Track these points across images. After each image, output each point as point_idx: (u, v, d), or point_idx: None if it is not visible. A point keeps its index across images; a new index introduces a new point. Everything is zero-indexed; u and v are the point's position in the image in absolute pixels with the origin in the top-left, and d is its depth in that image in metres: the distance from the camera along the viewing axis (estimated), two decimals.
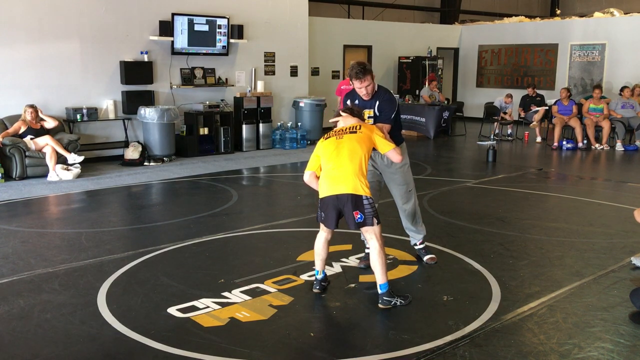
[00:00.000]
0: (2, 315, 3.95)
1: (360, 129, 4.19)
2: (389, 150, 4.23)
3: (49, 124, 8.82)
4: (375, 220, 4.06)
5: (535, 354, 3.43)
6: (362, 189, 4.04)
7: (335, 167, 4.09)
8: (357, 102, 4.62)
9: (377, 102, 4.54)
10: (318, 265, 4.33)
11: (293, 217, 6.46)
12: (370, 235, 4.09)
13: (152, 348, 3.49)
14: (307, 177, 4.30)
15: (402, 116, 14.65)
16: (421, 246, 5.04)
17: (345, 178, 4.05)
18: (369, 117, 4.56)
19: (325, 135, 4.29)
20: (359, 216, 4.02)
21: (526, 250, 5.35)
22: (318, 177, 4.23)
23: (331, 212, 4.10)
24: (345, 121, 4.31)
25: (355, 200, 4.01)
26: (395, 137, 4.59)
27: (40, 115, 8.85)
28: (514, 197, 7.58)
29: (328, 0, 16.28)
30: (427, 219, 6.35)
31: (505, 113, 13.03)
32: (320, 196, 4.17)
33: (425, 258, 4.98)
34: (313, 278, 4.50)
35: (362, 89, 4.48)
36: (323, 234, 4.29)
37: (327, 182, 4.11)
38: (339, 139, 4.16)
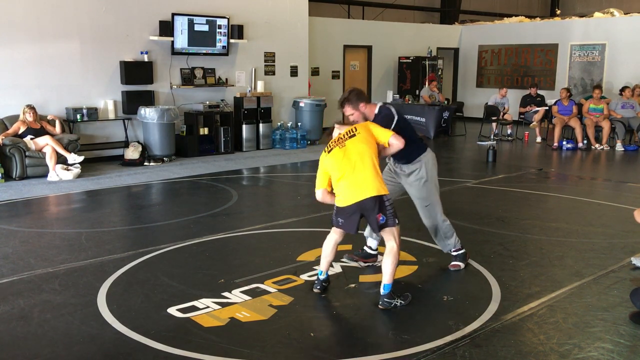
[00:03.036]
0: (2, 315, 3.95)
1: (357, 130, 4.19)
2: (389, 137, 4.21)
3: (57, 129, 8.85)
4: (395, 221, 4.10)
5: (535, 354, 3.43)
6: (383, 188, 4.08)
7: (352, 174, 4.07)
8: None
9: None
10: (323, 265, 4.33)
11: (293, 217, 6.46)
12: (389, 237, 4.11)
13: (152, 348, 3.49)
14: (321, 196, 4.19)
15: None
16: (454, 253, 4.87)
17: (365, 181, 4.04)
18: None
19: (326, 149, 4.21)
20: (381, 218, 4.05)
21: (526, 250, 5.35)
22: (330, 192, 4.20)
23: (354, 217, 4.09)
24: (340, 129, 4.30)
25: (379, 202, 4.03)
26: (411, 150, 4.51)
27: (55, 119, 8.89)
28: (514, 197, 7.58)
29: (328, 0, 16.27)
30: None
31: (504, 113, 13.01)
32: (341, 206, 4.12)
33: (450, 264, 4.86)
34: (313, 278, 4.51)
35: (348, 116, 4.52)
36: (334, 236, 4.30)
37: (349, 191, 4.07)
38: (343, 147, 4.13)
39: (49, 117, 8.93)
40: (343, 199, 4.10)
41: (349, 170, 4.07)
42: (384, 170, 4.77)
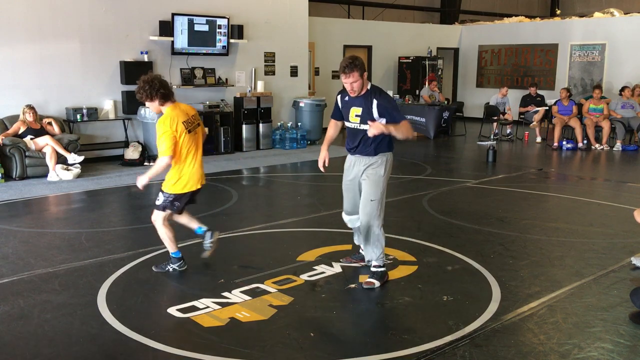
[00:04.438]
0: (2, 315, 3.95)
1: (198, 120, 4.63)
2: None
3: (55, 130, 8.86)
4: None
5: (535, 354, 3.43)
6: None
7: (198, 160, 4.59)
8: (346, 98, 4.44)
9: (375, 102, 4.29)
10: (173, 246, 4.67)
11: (293, 217, 6.46)
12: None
13: (152, 348, 3.50)
14: (168, 161, 4.42)
15: None
16: (373, 268, 4.50)
17: (202, 171, 4.65)
18: (356, 116, 4.37)
19: (178, 119, 4.42)
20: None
21: (526, 250, 5.35)
22: None
23: (186, 199, 4.64)
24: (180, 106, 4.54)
25: None
26: (385, 143, 4.40)
27: (52, 121, 8.88)
28: (514, 197, 7.58)
29: (328, 0, 16.28)
30: (427, 219, 6.37)
31: (504, 113, 13.01)
32: (183, 191, 4.55)
33: (364, 280, 4.48)
34: (313, 278, 4.52)
35: (347, 84, 4.28)
36: (165, 221, 4.63)
37: (193, 178, 4.55)
38: (194, 134, 4.53)
39: (45, 121, 8.90)
40: (187, 185, 4.52)
41: (196, 156, 4.55)
42: (343, 179, 4.58)
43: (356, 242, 4.87)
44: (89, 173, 8.88)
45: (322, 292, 4.37)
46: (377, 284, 4.43)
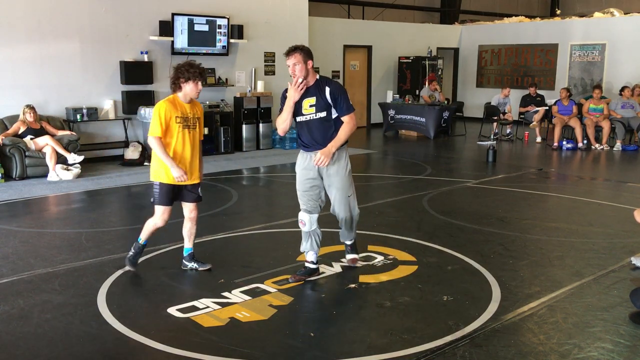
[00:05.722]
0: (2, 315, 3.95)
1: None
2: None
3: (58, 132, 8.89)
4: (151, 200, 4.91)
5: (535, 354, 3.43)
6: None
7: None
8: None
9: (328, 89, 4.31)
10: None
11: (293, 217, 6.43)
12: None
13: (152, 348, 3.49)
14: None
15: (402, 116, 14.63)
16: (349, 242, 4.82)
17: None
18: (310, 106, 4.33)
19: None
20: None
21: (526, 250, 5.35)
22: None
23: None
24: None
25: None
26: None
27: (58, 132, 8.91)
28: (514, 197, 7.58)
29: (328, 0, 16.27)
30: (427, 219, 6.37)
31: (504, 113, 13.02)
32: None
33: (349, 259, 4.83)
34: (314, 278, 4.52)
35: (289, 66, 4.30)
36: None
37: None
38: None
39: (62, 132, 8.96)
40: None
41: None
42: (300, 180, 4.49)
43: (302, 249, 4.61)
44: (89, 173, 8.88)
45: (322, 292, 4.37)
46: (357, 256, 4.88)
